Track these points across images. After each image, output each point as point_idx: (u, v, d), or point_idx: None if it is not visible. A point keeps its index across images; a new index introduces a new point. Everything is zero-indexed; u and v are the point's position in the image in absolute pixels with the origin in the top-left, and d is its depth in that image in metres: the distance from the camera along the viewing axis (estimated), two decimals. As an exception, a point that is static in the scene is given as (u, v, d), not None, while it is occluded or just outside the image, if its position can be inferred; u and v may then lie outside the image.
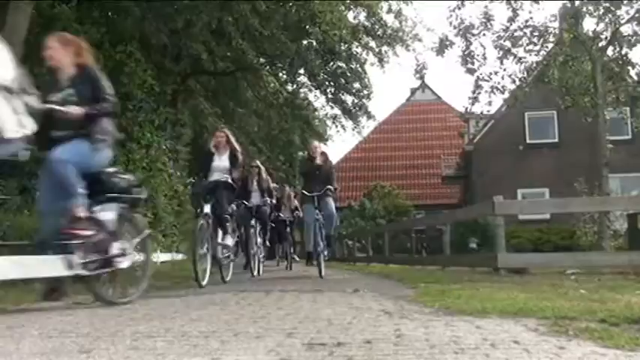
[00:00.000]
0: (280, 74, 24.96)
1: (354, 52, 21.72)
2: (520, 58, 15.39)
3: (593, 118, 14.94)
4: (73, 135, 4.97)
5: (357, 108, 23.45)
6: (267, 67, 23.62)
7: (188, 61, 19.20)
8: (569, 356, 2.50)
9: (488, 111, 17.01)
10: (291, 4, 19.42)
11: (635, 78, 15.67)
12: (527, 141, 27.41)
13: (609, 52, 15.13)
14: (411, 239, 16.55)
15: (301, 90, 25.19)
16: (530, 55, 15.56)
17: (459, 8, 15.22)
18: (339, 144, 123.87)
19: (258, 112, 24.52)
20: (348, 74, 22.17)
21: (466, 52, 15.32)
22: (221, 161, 8.50)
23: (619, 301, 4.17)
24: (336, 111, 25.02)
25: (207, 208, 7.92)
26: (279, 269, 13.88)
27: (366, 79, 22.74)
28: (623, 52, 14.96)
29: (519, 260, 9.43)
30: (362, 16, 20.86)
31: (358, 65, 22.21)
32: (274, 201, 12.65)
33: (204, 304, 4.91)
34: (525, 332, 3.08)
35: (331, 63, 21.82)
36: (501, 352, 2.57)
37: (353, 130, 25.66)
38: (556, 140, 26.93)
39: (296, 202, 14.57)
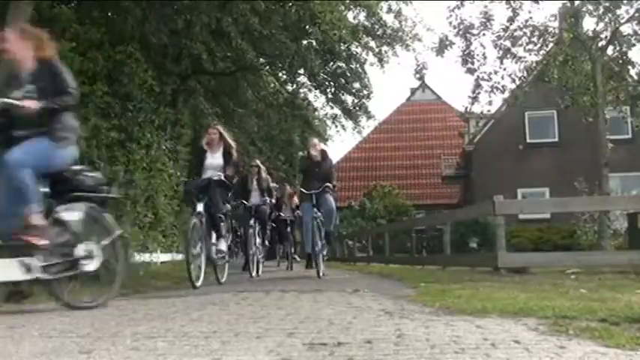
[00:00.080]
0: (280, 74, 24.95)
1: (354, 52, 21.70)
2: (520, 58, 15.40)
3: (593, 117, 14.94)
4: (33, 133, 4.71)
5: (357, 108, 23.43)
6: (267, 67, 23.62)
7: (188, 62, 19.21)
8: (570, 355, 2.49)
9: (488, 110, 17.04)
10: (290, 4, 19.41)
11: (635, 77, 15.68)
12: (528, 140, 27.41)
13: (609, 51, 15.15)
14: (411, 239, 16.53)
15: (301, 90, 25.18)
16: (530, 54, 15.60)
17: (459, 8, 15.24)
18: (339, 144, 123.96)
19: (258, 112, 24.51)
20: (348, 74, 22.15)
21: (466, 52, 15.33)
22: (214, 159, 8.30)
23: (619, 301, 4.17)
24: (336, 111, 25.02)
25: (200, 207, 7.76)
26: (280, 269, 13.87)
27: (366, 79, 22.72)
28: (622, 52, 14.97)
29: (519, 260, 9.42)
30: (362, 16, 20.86)
31: (358, 65, 22.18)
32: (274, 200, 12.54)
33: (205, 305, 4.91)
34: (526, 332, 3.08)
35: (331, 63, 21.80)
36: (502, 352, 2.57)
37: (353, 130, 25.67)
38: (556, 140, 26.93)
39: (297, 201, 14.51)
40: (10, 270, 4.54)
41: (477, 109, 16.57)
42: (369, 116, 24.36)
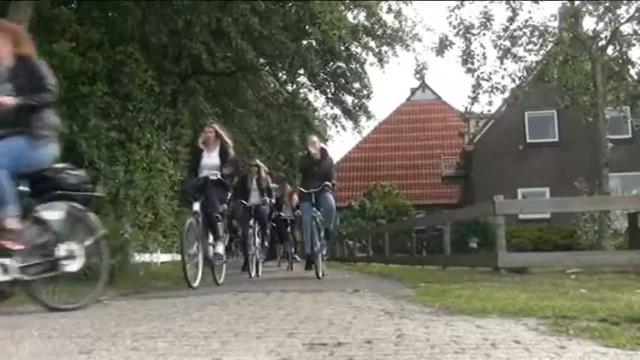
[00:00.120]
0: (280, 74, 24.96)
1: (354, 52, 21.70)
2: (520, 58, 15.41)
3: (593, 117, 14.95)
4: (8, 132, 4.54)
5: (357, 108, 23.44)
6: (267, 67, 23.63)
7: (188, 62, 19.21)
8: (570, 356, 2.49)
9: (489, 110, 17.04)
10: (290, 4, 19.42)
11: (635, 77, 15.68)
12: (528, 140, 27.42)
13: (609, 51, 15.15)
14: (411, 239, 16.53)
15: (301, 90, 25.19)
16: (530, 54, 15.61)
17: (459, 8, 15.24)
18: (339, 144, 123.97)
19: (258, 112, 24.51)
20: (348, 74, 22.16)
21: (466, 52, 15.33)
22: (210, 158, 8.13)
23: (619, 300, 4.17)
24: (336, 111, 25.03)
25: (196, 206, 7.62)
26: (280, 270, 13.85)
27: (365, 79, 22.73)
28: (622, 52, 14.97)
29: (520, 260, 9.42)
30: (362, 16, 20.87)
31: (358, 65, 22.19)
32: (273, 200, 12.44)
33: (205, 305, 4.91)
34: (526, 332, 3.08)
35: (331, 63, 21.80)
36: (502, 352, 2.57)
37: (353, 130, 25.68)
38: (556, 139, 26.94)
39: (297, 201, 14.44)
40: None
41: (477, 109, 16.59)
42: (369, 116, 24.39)
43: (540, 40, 15.40)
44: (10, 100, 4.46)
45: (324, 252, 9.45)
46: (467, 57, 15.37)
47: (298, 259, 14.99)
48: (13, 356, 2.80)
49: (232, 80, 22.53)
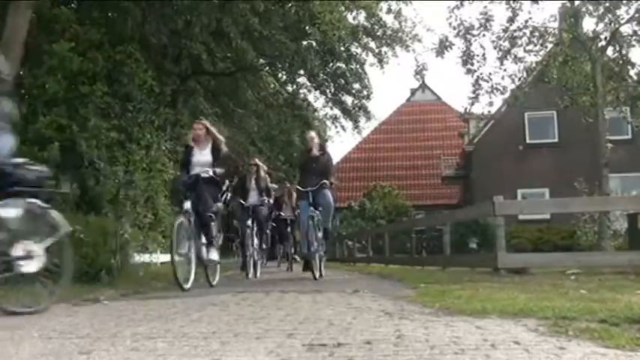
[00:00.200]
0: (280, 75, 24.98)
1: (354, 53, 21.73)
2: (520, 59, 15.40)
3: (593, 118, 14.94)
4: None
5: (357, 108, 23.46)
6: (267, 67, 23.65)
7: (188, 62, 19.22)
8: (570, 356, 2.49)
9: (489, 111, 17.01)
10: (290, 4, 19.43)
11: (635, 78, 15.67)
12: (527, 141, 27.41)
13: (609, 51, 15.15)
14: (411, 239, 16.52)
15: (301, 90, 25.21)
16: (530, 55, 15.58)
17: (459, 8, 15.23)
18: (338, 144, 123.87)
19: (258, 113, 24.52)
20: (348, 75, 22.17)
21: (466, 53, 15.32)
22: (202, 155, 7.81)
23: (619, 301, 4.17)
24: (336, 111, 25.06)
25: (187, 205, 7.36)
26: (280, 270, 13.84)
27: (365, 80, 22.75)
28: (622, 52, 14.97)
29: (519, 260, 9.42)
30: (361, 16, 20.88)
31: (358, 66, 22.21)
32: (271, 200, 12.25)
33: (205, 305, 4.91)
34: (525, 332, 3.08)
35: (331, 63, 21.82)
36: (501, 353, 2.57)
37: (353, 130, 25.70)
38: (556, 140, 26.93)
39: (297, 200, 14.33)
40: None
41: (477, 109, 16.57)
42: (369, 117, 24.42)
43: (540, 41, 15.39)
44: None
45: (322, 252, 9.19)
46: (467, 58, 15.36)
47: (298, 259, 14.94)
48: (13, 357, 2.80)
49: (232, 80, 22.54)
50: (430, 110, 39.69)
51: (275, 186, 14.65)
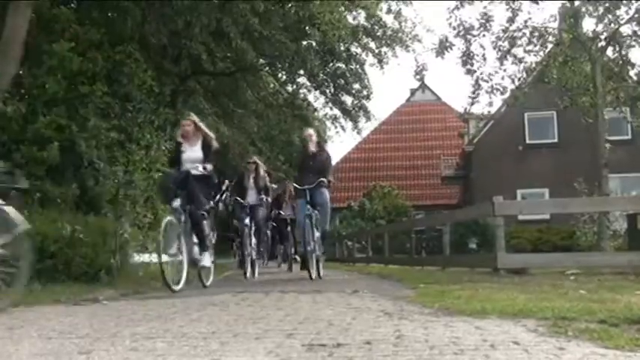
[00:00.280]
0: (280, 75, 25.00)
1: (354, 53, 21.75)
2: (520, 59, 15.39)
3: (593, 118, 14.94)
4: None
5: (357, 108, 23.48)
6: (267, 67, 23.66)
7: (188, 62, 19.24)
8: (569, 357, 2.49)
9: (489, 112, 17.01)
10: (290, 4, 19.45)
11: (635, 78, 15.67)
12: (527, 141, 27.41)
13: (609, 52, 15.15)
14: (410, 240, 16.52)
15: (301, 90, 25.23)
16: (530, 55, 15.57)
17: (458, 9, 15.22)
18: (338, 144, 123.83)
19: (257, 113, 24.54)
20: (348, 75, 22.20)
21: (466, 53, 15.32)
22: (193, 151, 7.55)
23: (619, 302, 4.17)
24: (336, 111, 25.09)
25: (176, 203, 7.11)
26: (281, 270, 13.81)
27: (365, 80, 22.77)
28: (622, 53, 14.97)
29: (519, 261, 9.41)
30: (361, 16, 20.90)
31: (358, 66, 22.23)
32: (270, 199, 11.94)
33: (204, 305, 4.91)
34: (525, 333, 3.08)
35: (331, 64, 21.84)
36: (501, 353, 2.57)
37: (352, 130, 25.75)
38: (556, 140, 26.93)
39: None
40: None
41: (476, 109, 16.57)
42: (369, 117, 24.45)
43: (540, 41, 15.39)
44: None
45: (319, 252, 8.94)
46: (467, 58, 15.36)
47: (298, 259, 14.86)
48: (13, 356, 2.80)
49: (232, 80, 22.56)
50: (430, 110, 39.69)
51: (275, 186, 14.59)
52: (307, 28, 19.88)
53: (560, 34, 15.25)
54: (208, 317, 4.07)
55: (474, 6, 15.37)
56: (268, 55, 21.54)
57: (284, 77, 25.25)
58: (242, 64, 20.76)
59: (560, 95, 16.72)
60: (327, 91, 23.03)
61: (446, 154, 34.83)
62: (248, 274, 10.05)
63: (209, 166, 7.40)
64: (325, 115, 27.39)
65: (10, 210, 4.65)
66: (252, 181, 10.92)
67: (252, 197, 10.78)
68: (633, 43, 14.70)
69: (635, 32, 14.51)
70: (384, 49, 20.96)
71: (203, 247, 7.48)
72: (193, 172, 7.28)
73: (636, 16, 14.19)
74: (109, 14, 15.36)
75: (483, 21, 15.11)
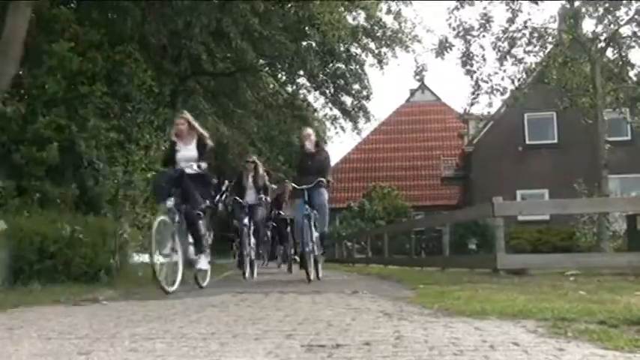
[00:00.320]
0: (280, 75, 25.01)
1: (354, 54, 21.76)
2: (519, 59, 15.39)
3: (593, 119, 14.94)
4: None
5: (357, 109, 23.49)
6: (267, 68, 23.67)
7: (187, 62, 19.24)
8: (569, 358, 2.49)
9: (488, 112, 17.01)
10: (289, 5, 19.46)
11: (635, 79, 15.67)
12: (527, 142, 27.41)
13: (608, 53, 15.15)
14: (410, 240, 16.51)
15: (300, 91, 25.26)
16: (530, 56, 15.57)
17: (458, 9, 15.22)
18: (338, 145, 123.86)
19: (257, 113, 24.55)
20: (348, 75, 22.21)
21: (466, 54, 15.32)
22: (188, 150, 7.37)
23: (618, 303, 4.17)
24: (336, 112, 25.11)
25: (170, 203, 6.91)
26: (280, 271, 13.79)
27: (365, 80, 22.78)
28: (622, 53, 14.97)
29: (518, 261, 9.41)
30: (361, 17, 20.92)
31: (357, 66, 22.24)
32: (269, 199, 11.71)
33: (204, 306, 4.91)
34: (524, 334, 3.08)
35: (330, 64, 21.85)
36: (500, 354, 2.57)
37: (352, 131, 25.75)
38: (555, 141, 26.93)
39: None
40: None
41: (476, 110, 16.58)
42: (369, 117, 24.47)
43: (540, 42, 15.39)
44: None
45: (317, 253, 8.70)
46: (466, 58, 15.36)
47: (298, 259, 14.81)
48: (12, 356, 2.79)
49: (232, 81, 22.57)
50: (430, 111, 39.69)
51: (274, 186, 14.55)
52: (307, 28, 19.89)
53: (560, 35, 15.25)
54: (208, 318, 4.07)
55: (474, 6, 15.38)
56: (268, 56, 21.56)
57: (284, 78, 25.27)
58: (242, 65, 20.77)
59: (559, 96, 16.72)
60: (327, 91, 23.05)
61: (445, 154, 34.82)
62: (247, 275, 9.95)
63: (204, 165, 7.23)
64: (325, 115, 27.44)
65: None
66: (251, 180, 10.75)
67: (251, 197, 10.62)
68: (633, 44, 14.70)
69: (634, 33, 14.51)
70: (384, 49, 20.99)
71: (199, 249, 7.32)
72: (188, 170, 7.13)
73: (636, 17, 14.19)
74: (109, 14, 15.37)
75: (483, 21, 15.11)
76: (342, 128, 26.33)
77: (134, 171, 12.04)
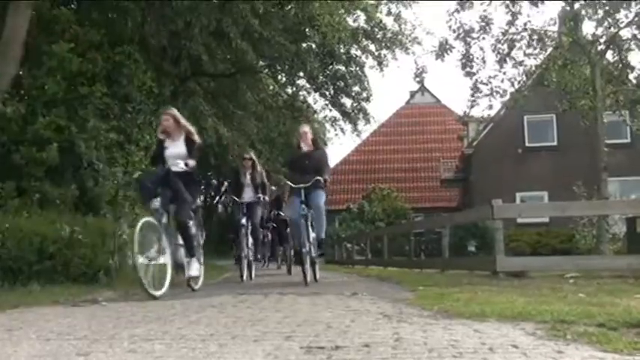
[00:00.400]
0: (279, 77, 25.02)
1: (354, 55, 21.76)
2: (519, 62, 15.40)
3: (592, 121, 14.95)
4: None
5: (356, 111, 23.49)
6: (267, 69, 23.68)
7: (187, 63, 19.24)
8: (568, 360, 2.49)
9: (488, 114, 17.01)
10: (289, 6, 19.46)
11: (634, 81, 15.68)
12: (527, 144, 27.42)
13: (608, 55, 15.16)
14: (409, 242, 16.50)
15: (300, 92, 25.26)
16: (530, 58, 15.59)
17: (458, 12, 15.23)
18: (338, 147, 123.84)
19: (257, 114, 24.55)
20: (348, 77, 22.21)
21: (465, 56, 15.33)
22: (176, 147, 7.09)
23: (617, 305, 4.17)
24: (335, 114, 25.11)
25: (156, 203, 6.61)
26: (280, 272, 13.77)
27: (365, 82, 22.78)
28: (622, 56, 14.98)
29: (518, 264, 9.39)
30: (361, 19, 20.93)
31: (357, 68, 22.24)
32: (267, 198, 11.25)
33: (203, 307, 4.90)
34: (524, 336, 3.08)
35: (330, 66, 21.86)
36: (499, 356, 2.57)
37: (352, 132, 25.75)
38: (555, 143, 26.94)
39: None
40: None
41: (476, 112, 16.59)
42: (368, 119, 24.45)
43: (539, 44, 15.40)
44: None
45: (314, 254, 8.28)
46: (466, 61, 15.37)
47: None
48: (11, 357, 2.79)
49: (232, 82, 22.58)
50: (429, 113, 39.71)
51: (273, 188, 14.55)
52: (307, 30, 19.89)
53: (560, 37, 15.27)
54: (207, 319, 4.06)
55: (474, 9, 15.38)
56: (268, 57, 21.56)
57: (284, 79, 25.28)
58: (242, 66, 20.78)
59: (559, 98, 16.73)
60: (327, 93, 23.05)
61: (445, 156, 34.83)
62: (245, 277, 9.73)
63: (191, 162, 6.92)
64: (325, 117, 27.44)
65: None
66: (248, 177, 10.42)
67: (248, 194, 10.29)
68: (633, 46, 14.72)
69: (634, 35, 14.52)
70: (384, 51, 20.98)
71: (191, 251, 7.03)
72: (174, 169, 6.87)
73: (636, 19, 14.20)
74: (109, 15, 15.38)
75: (483, 24, 15.12)
76: (342, 130, 26.33)
77: (134, 172, 12.04)
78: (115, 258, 8.77)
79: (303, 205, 8.12)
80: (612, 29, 14.54)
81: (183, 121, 7.32)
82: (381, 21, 20.61)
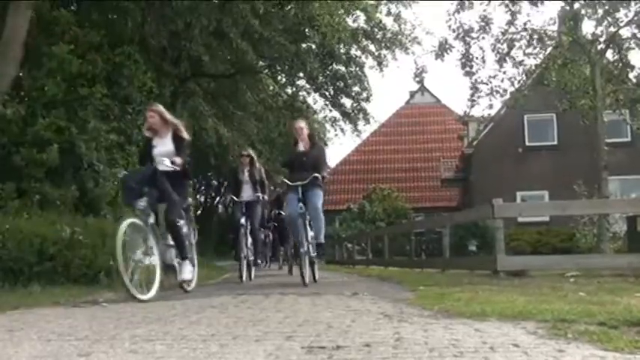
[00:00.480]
0: (279, 77, 25.03)
1: (354, 56, 21.77)
2: (519, 61, 15.40)
3: (592, 120, 14.94)
4: None
5: (356, 111, 23.51)
6: (267, 69, 23.70)
7: (187, 64, 19.26)
8: (568, 359, 2.49)
9: (488, 114, 17.01)
10: (290, 6, 19.47)
11: (634, 80, 15.67)
12: (527, 143, 27.42)
13: (608, 54, 15.15)
14: (410, 242, 16.50)
15: (300, 93, 25.27)
16: (529, 57, 15.58)
17: (458, 12, 15.22)
18: (338, 147, 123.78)
19: (257, 115, 24.57)
20: (347, 77, 22.23)
21: (465, 56, 15.33)
22: (164, 145, 6.82)
23: (618, 304, 4.17)
24: (335, 114, 25.13)
25: (141, 204, 6.34)
26: (281, 273, 13.77)
27: (365, 82, 22.79)
28: (622, 55, 14.98)
29: (518, 263, 9.39)
30: (361, 19, 20.94)
31: (357, 68, 22.26)
32: (266, 197, 11.01)
33: (204, 308, 4.90)
34: (524, 335, 3.08)
35: (330, 66, 21.87)
36: (500, 356, 2.57)
37: (352, 133, 25.77)
38: (555, 143, 26.94)
39: None
40: None
41: (476, 112, 16.59)
42: (368, 119, 24.47)
43: (539, 44, 15.40)
44: None
45: (312, 254, 8.07)
46: (466, 60, 15.36)
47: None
48: (12, 358, 2.79)
49: (232, 82, 22.60)
50: (429, 113, 39.72)
51: (273, 188, 14.53)
52: (307, 30, 19.91)
53: (560, 37, 15.26)
54: (208, 319, 4.06)
55: (474, 9, 15.37)
56: (268, 57, 21.59)
57: (283, 79, 25.30)
58: (242, 66, 20.80)
59: (559, 98, 16.73)
60: (327, 93, 23.07)
61: (445, 156, 34.83)
62: (244, 277, 9.57)
63: (178, 160, 6.59)
64: (325, 117, 27.46)
65: None
66: (247, 174, 10.19)
67: (247, 192, 10.09)
68: (633, 45, 14.71)
69: (634, 35, 14.51)
70: (384, 51, 21.01)
71: (182, 253, 6.77)
72: (161, 167, 6.57)
73: (636, 18, 14.19)
74: (109, 16, 15.39)
75: (483, 23, 15.11)
76: (342, 130, 26.37)
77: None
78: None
79: (301, 204, 7.88)
80: (612, 28, 14.53)
81: (169, 116, 7.06)
82: (380, 21, 20.63)
